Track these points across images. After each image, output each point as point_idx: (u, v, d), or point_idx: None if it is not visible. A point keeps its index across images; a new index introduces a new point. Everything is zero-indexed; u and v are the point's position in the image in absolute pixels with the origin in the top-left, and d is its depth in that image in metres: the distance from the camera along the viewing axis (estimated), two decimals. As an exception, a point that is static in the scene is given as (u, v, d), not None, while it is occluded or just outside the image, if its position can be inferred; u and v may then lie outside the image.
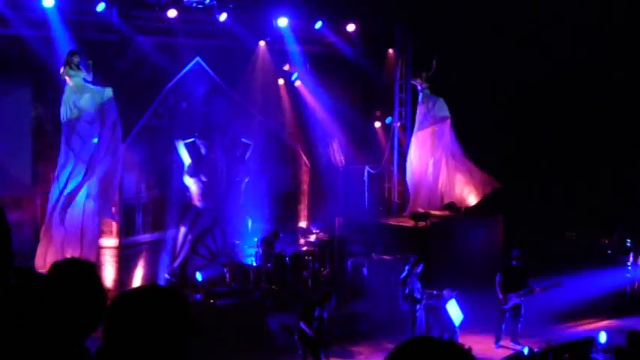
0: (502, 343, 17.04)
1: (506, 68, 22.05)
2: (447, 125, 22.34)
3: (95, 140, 17.16)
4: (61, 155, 17.05)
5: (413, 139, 22.89)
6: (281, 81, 22.49)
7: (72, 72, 17.04)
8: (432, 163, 22.55)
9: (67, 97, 17.07)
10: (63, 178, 16.99)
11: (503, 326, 17.15)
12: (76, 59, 17.03)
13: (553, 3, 21.53)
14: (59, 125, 17.29)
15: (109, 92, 17.23)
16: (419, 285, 16.60)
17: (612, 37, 21.50)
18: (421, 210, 21.79)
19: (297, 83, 22.69)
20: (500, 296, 16.92)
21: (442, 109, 22.44)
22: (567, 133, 22.47)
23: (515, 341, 17.01)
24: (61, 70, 16.99)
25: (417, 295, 16.52)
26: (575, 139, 22.45)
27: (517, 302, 16.95)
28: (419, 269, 16.68)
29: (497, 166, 21.58)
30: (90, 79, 17.20)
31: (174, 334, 3.13)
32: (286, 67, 22.39)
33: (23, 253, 15.63)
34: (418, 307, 16.56)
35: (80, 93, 17.10)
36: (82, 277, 3.57)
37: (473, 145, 22.04)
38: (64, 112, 17.03)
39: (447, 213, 21.99)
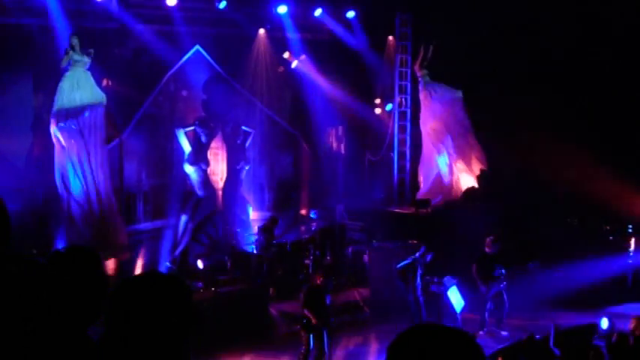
0: (487, 329, 17.05)
1: (509, 55, 21.99)
2: (457, 105, 22.40)
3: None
4: (57, 148, 17.18)
5: (423, 128, 22.95)
6: (281, 68, 22.46)
7: (76, 56, 17.07)
8: (445, 150, 22.62)
9: (64, 87, 17.09)
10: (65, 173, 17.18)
11: (487, 314, 17.14)
12: (74, 41, 17.05)
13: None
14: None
15: (103, 98, 17.39)
16: (421, 273, 16.72)
17: (611, 34, 21.45)
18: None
19: (298, 71, 22.66)
20: (483, 287, 16.90)
21: (447, 92, 22.50)
22: (569, 118, 22.40)
23: (499, 327, 17.03)
24: (65, 55, 17.02)
25: (420, 283, 16.64)
26: (577, 124, 22.39)
27: (498, 290, 16.94)
28: (428, 258, 16.76)
29: (501, 152, 21.54)
30: (87, 67, 17.23)
31: (176, 321, 3.12)
32: (286, 55, 22.36)
33: (24, 243, 15.64)
34: (420, 294, 16.66)
35: (78, 86, 17.12)
36: (83, 265, 3.56)
37: (475, 130, 22.06)
38: (59, 101, 17.07)
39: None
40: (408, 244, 18.32)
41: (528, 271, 17.06)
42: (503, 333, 16.78)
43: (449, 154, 22.54)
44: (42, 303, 3.21)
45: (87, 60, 17.12)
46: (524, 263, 17.09)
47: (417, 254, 16.85)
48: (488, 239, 17.11)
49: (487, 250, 17.04)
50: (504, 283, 16.88)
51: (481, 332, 16.86)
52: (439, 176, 22.81)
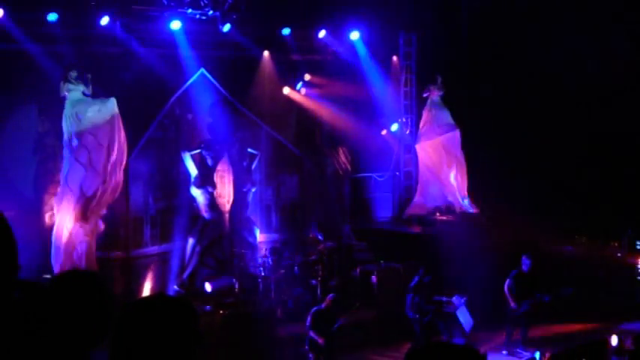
0: (508, 348, 17.00)
1: (512, 73, 22.03)
2: (457, 134, 22.61)
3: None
4: (69, 168, 17.12)
5: (419, 146, 23.05)
6: (286, 90, 22.46)
7: (71, 86, 17.15)
8: (446, 169, 22.76)
9: (70, 110, 17.14)
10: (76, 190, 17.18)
11: (511, 332, 17.10)
12: (73, 74, 17.11)
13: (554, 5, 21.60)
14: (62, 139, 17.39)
15: (113, 103, 17.33)
16: (427, 295, 16.68)
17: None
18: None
19: (303, 92, 22.67)
20: (513, 303, 16.84)
21: (448, 118, 22.67)
22: (573, 135, 22.39)
23: (524, 346, 16.96)
24: (61, 85, 17.09)
25: (424, 305, 16.57)
26: (581, 141, 22.37)
27: (528, 309, 16.88)
28: (427, 280, 16.74)
29: (504, 170, 21.52)
30: (89, 92, 17.28)
31: (183, 344, 3.10)
32: (291, 77, 22.37)
33: (33, 268, 15.68)
34: (425, 317, 16.61)
35: (84, 105, 17.19)
36: (87, 288, 3.53)
37: (479, 149, 22.05)
38: (68, 125, 17.09)
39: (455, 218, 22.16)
40: (415, 265, 18.26)
41: (560, 296, 17.06)
42: (529, 353, 16.68)
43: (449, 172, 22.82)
44: (45, 328, 3.20)
45: (83, 88, 17.21)
46: (557, 288, 17.13)
47: (417, 276, 16.91)
48: (525, 258, 17.10)
49: (524, 268, 17.05)
50: (545, 298, 16.85)
51: (504, 352, 16.88)
52: (442, 192, 23.01)
